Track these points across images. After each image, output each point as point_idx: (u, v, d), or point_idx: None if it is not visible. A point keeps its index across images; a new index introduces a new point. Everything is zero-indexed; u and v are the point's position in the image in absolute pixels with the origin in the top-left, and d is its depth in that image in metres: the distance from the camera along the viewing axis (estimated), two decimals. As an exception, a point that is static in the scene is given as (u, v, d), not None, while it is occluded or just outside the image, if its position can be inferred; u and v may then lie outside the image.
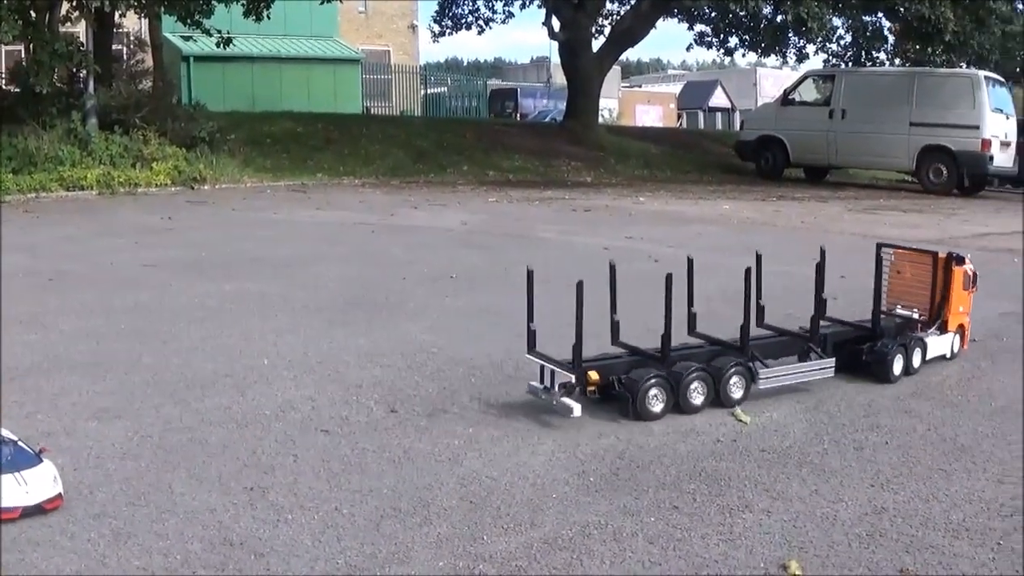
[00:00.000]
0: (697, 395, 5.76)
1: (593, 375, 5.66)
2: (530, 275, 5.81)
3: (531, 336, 5.88)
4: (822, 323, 6.50)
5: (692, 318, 6.10)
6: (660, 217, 16.41)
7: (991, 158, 24.58)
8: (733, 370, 5.88)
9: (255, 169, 20.96)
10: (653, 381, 5.61)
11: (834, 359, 6.34)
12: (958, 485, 4.70)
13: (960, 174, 24.99)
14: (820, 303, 6.37)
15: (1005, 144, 25.22)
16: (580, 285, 5.50)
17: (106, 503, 4.26)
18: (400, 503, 4.33)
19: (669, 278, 5.70)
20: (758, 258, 6.15)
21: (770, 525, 4.23)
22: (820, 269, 6.29)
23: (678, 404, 5.69)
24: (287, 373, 6.32)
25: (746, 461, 4.97)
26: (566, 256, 11.55)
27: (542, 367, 5.78)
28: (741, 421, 5.58)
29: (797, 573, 3.81)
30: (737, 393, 5.90)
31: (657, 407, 5.61)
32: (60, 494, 4.19)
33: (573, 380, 5.61)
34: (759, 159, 27.72)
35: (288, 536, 4.00)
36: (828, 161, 27.09)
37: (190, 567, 3.73)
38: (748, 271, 5.96)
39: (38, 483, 4.11)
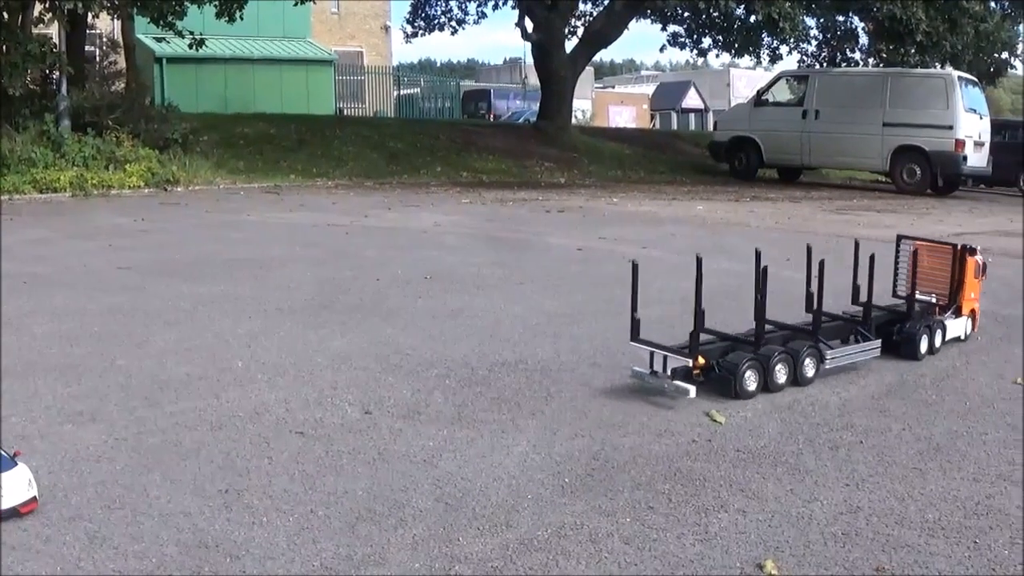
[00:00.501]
0: (781, 375, 6.30)
1: (700, 360, 6.14)
2: (635, 268, 6.13)
3: (635, 325, 6.29)
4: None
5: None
6: (634, 218, 16.48)
7: (965, 158, 24.92)
8: (807, 352, 6.44)
9: (228, 171, 20.94)
10: (748, 364, 6.14)
11: (880, 340, 6.92)
12: (933, 484, 4.74)
13: (934, 174, 25.28)
14: (869, 291, 6.97)
15: (979, 144, 25.64)
16: (699, 262, 5.93)
17: (81, 506, 4.25)
18: (375, 504, 4.33)
19: (762, 272, 6.13)
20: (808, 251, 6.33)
21: (745, 525, 4.25)
22: (871, 261, 6.88)
23: (766, 384, 6.21)
24: (261, 375, 6.32)
25: (721, 461, 4.99)
26: (541, 257, 11.60)
27: (652, 353, 6.21)
28: (716, 421, 5.64)
29: (773, 573, 3.82)
30: (810, 372, 6.46)
31: (752, 386, 6.15)
32: (35, 497, 4.17)
33: (691, 364, 6.10)
34: (732, 160, 28.02)
35: (263, 538, 3.99)
36: (801, 161, 27.33)
37: (165, 569, 3.72)
38: (821, 264, 6.51)
39: (13, 487, 4.09)
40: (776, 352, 6.28)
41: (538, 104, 33.66)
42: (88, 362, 6.56)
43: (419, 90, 48.69)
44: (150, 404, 5.67)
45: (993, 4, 30.88)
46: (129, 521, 4.12)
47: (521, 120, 42.80)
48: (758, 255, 6.18)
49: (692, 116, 62.63)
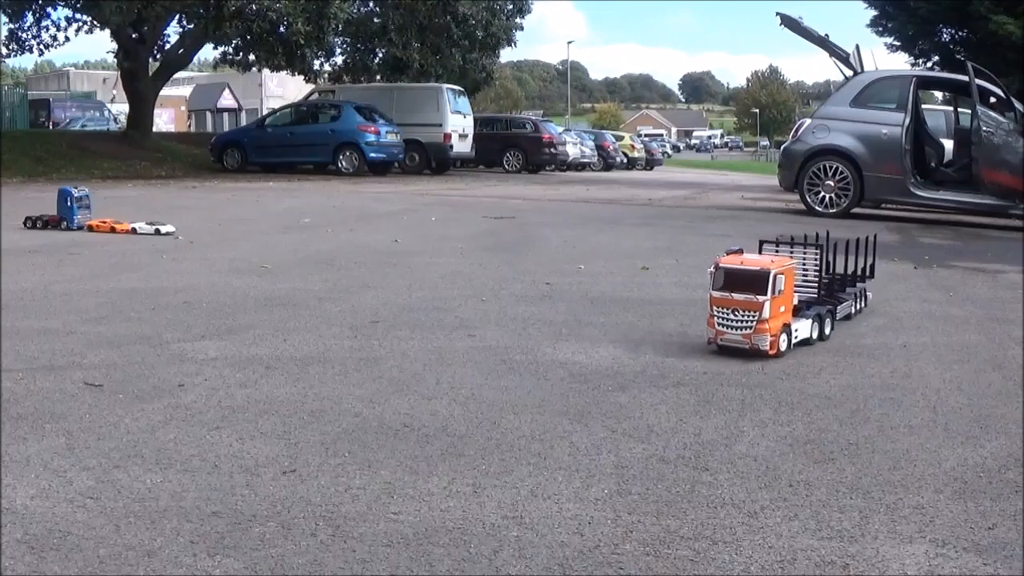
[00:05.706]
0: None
1: None
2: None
3: None
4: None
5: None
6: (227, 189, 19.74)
7: (451, 147, 32.10)
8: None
9: None
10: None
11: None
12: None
13: (429, 158, 32.11)
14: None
15: (463, 136, 32.81)
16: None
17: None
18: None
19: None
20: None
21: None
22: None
23: None
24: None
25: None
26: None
27: None
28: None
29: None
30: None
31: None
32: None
33: None
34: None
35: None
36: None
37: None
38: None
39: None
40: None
41: (91, 111, 39.75)
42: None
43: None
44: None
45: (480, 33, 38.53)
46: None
47: (79, 127, 44.51)
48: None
49: (226, 116, 63.38)
